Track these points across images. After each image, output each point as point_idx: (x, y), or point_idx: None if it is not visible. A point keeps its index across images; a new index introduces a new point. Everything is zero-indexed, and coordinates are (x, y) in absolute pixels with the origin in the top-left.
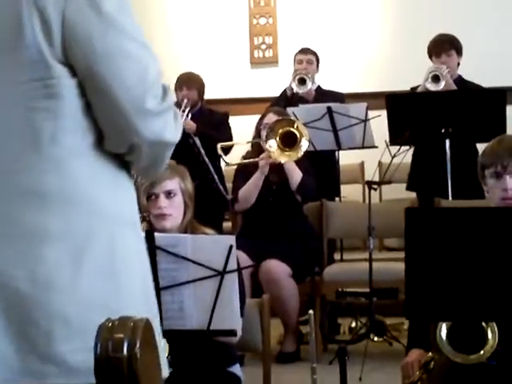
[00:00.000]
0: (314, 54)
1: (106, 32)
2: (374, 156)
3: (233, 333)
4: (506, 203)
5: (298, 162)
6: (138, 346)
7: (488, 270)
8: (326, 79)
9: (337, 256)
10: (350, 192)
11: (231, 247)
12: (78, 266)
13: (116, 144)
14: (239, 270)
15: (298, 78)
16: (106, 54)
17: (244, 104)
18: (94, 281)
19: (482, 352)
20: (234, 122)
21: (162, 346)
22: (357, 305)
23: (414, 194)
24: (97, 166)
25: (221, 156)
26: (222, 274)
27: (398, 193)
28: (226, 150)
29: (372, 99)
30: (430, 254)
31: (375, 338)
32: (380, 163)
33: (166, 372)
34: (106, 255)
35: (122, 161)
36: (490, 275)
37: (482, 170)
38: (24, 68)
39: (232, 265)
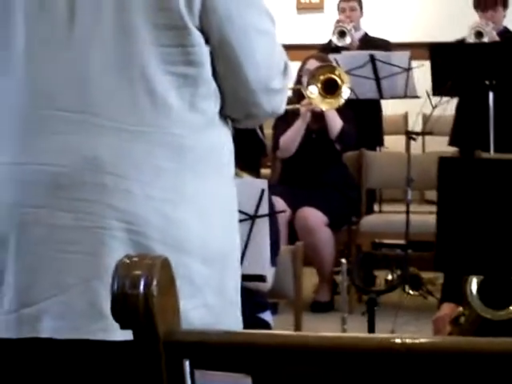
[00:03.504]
0: None
1: (245, 7)
2: (419, 107)
3: (262, 278)
4: None
5: (339, 111)
6: (154, 283)
7: None
8: (372, 28)
9: (377, 207)
10: (393, 143)
11: (263, 191)
12: (206, 226)
13: (235, 111)
14: (270, 214)
15: (337, 30)
16: (243, 30)
17: (289, 50)
18: (217, 241)
19: (511, 308)
20: None
21: (237, 300)
22: (393, 257)
23: None
24: (224, 130)
25: None
26: (252, 218)
27: (443, 145)
28: None
29: (415, 49)
30: (463, 206)
31: (410, 292)
32: (424, 114)
33: (239, 325)
34: (225, 214)
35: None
36: None
37: None
38: (166, 31)
39: (264, 209)
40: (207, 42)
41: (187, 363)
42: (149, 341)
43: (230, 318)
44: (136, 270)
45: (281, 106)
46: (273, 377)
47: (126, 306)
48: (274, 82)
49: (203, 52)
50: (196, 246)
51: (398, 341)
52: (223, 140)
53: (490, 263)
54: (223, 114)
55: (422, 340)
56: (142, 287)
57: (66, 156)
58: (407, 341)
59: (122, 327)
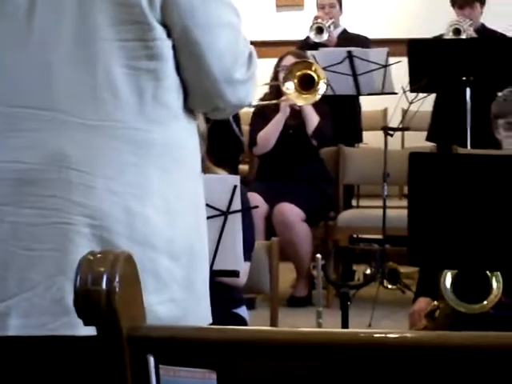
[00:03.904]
0: None
1: (208, 0)
2: (398, 103)
3: (235, 273)
4: None
5: (316, 107)
6: (117, 279)
7: (494, 219)
8: (351, 23)
9: (355, 202)
10: (372, 139)
11: (235, 187)
12: (171, 221)
13: (201, 105)
14: (243, 210)
15: (315, 27)
16: (205, 23)
17: (268, 47)
18: (184, 236)
19: (485, 302)
20: (259, 64)
21: (206, 293)
22: (371, 252)
23: None
24: (188, 124)
25: None
26: (225, 214)
27: (422, 141)
28: None
29: (394, 45)
30: (434, 200)
31: (389, 286)
32: (403, 110)
33: (208, 319)
34: (191, 208)
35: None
36: (496, 224)
37: (494, 119)
38: (127, 26)
39: (236, 205)
40: (169, 35)
41: (151, 359)
42: (112, 336)
43: (198, 312)
44: (99, 266)
45: (247, 96)
46: (237, 373)
47: (88, 303)
48: (237, 72)
49: (165, 46)
50: (162, 241)
51: (362, 335)
52: (188, 135)
53: (464, 257)
54: (189, 109)
55: (389, 335)
56: (104, 283)
57: (32, 153)
58: (375, 336)
59: (86, 323)
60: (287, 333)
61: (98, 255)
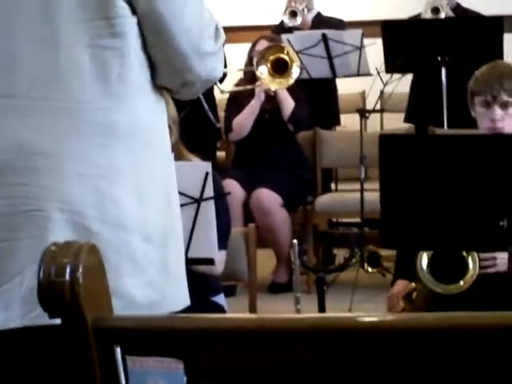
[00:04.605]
0: None
1: None
2: (375, 85)
3: (210, 261)
4: (494, 133)
5: (292, 91)
6: (80, 270)
7: (466, 198)
8: (325, 7)
9: (334, 186)
10: (350, 122)
11: (207, 174)
12: (142, 202)
13: (170, 81)
14: (216, 197)
15: (288, 11)
16: None
17: (242, 32)
18: (155, 217)
19: (461, 282)
20: (229, 50)
21: (182, 276)
22: (351, 235)
23: None
24: (155, 102)
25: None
26: (198, 201)
27: (400, 122)
28: (220, 79)
29: (369, 27)
30: (405, 182)
31: (369, 269)
32: (382, 92)
33: (186, 301)
34: (162, 190)
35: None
36: (469, 203)
37: (471, 96)
38: (89, 6)
39: (209, 192)
40: (134, 12)
41: (118, 350)
42: (77, 328)
43: (176, 295)
44: (62, 257)
45: (215, 69)
46: (204, 361)
47: (52, 294)
48: (205, 45)
49: (129, 23)
50: (134, 222)
51: (332, 319)
52: (155, 113)
53: (439, 238)
54: (159, 86)
55: (359, 318)
56: (67, 275)
57: None
58: (345, 319)
59: (51, 316)
60: (244, 320)
61: (61, 246)
